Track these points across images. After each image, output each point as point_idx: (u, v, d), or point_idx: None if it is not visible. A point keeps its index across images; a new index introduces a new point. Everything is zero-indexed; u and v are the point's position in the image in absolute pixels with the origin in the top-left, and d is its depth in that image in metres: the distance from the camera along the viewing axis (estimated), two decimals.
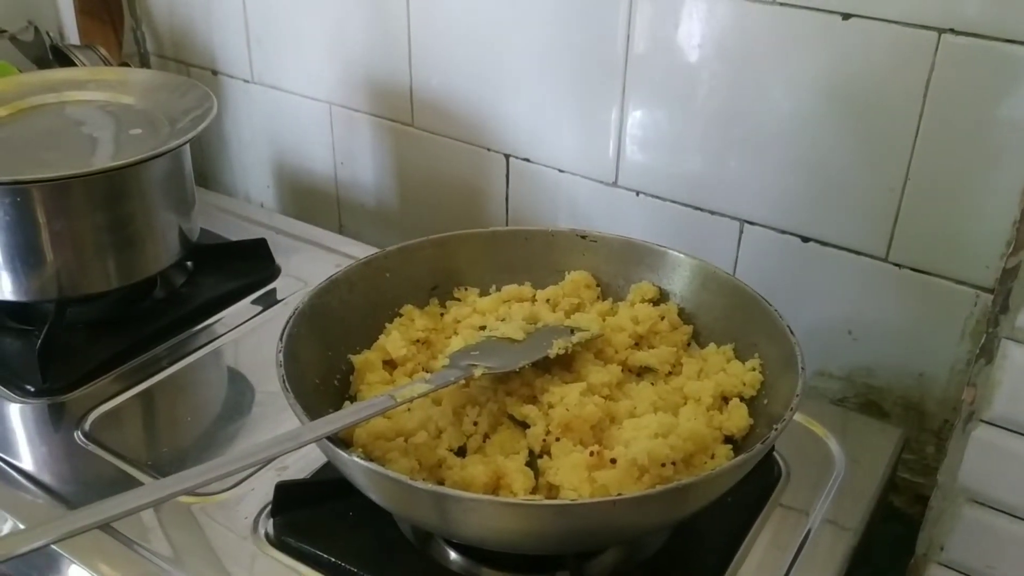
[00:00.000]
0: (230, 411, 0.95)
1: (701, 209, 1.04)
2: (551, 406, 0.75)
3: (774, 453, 0.87)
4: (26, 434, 0.92)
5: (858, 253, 0.95)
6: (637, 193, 1.08)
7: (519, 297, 0.90)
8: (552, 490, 0.70)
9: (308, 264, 1.17)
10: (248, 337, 1.05)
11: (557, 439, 0.73)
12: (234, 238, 1.21)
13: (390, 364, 0.84)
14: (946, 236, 0.90)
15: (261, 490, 0.82)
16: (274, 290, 1.13)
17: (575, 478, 0.68)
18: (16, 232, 0.94)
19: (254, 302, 1.10)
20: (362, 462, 0.64)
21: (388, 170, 1.29)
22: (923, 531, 0.78)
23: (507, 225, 1.20)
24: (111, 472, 0.85)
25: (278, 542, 0.78)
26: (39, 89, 1.11)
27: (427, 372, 0.82)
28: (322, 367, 0.80)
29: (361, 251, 1.17)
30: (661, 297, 0.89)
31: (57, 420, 0.92)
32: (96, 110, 1.09)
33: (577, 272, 0.91)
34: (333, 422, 0.66)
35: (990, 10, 0.81)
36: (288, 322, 0.78)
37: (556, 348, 0.79)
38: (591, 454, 0.69)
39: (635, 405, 0.76)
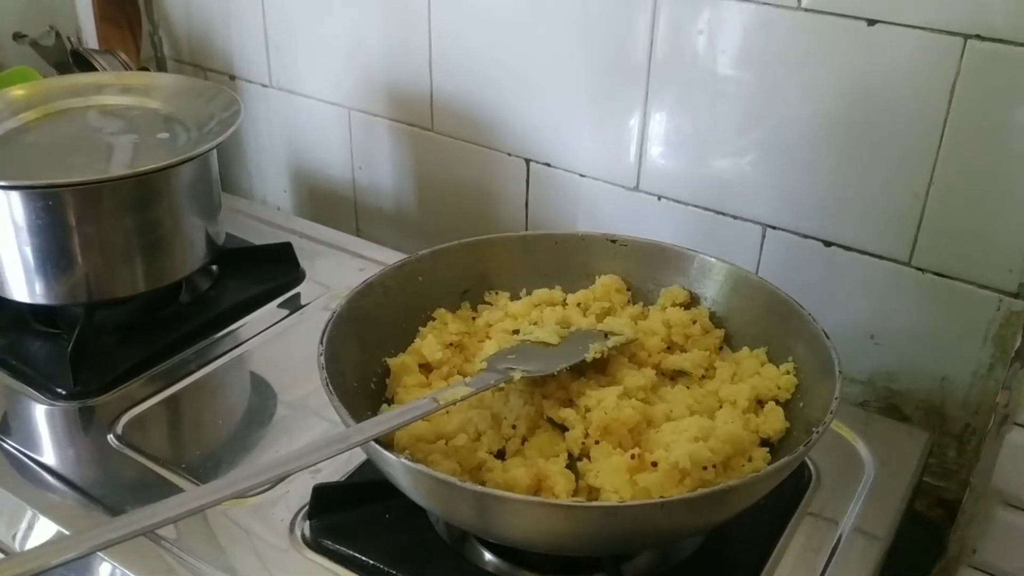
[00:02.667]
0: (259, 414, 0.95)
1: (723, 213, 1.04)
2: (588, 409, 0.76)
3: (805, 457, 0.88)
4: (58, 437, 0.92)
5: (881, 258, 0.96)
6: (659, 197, 1.08)
7: (550, 301, 0.90)
8: (592, 492, 0.71)
9: (331, 268, 1.18)
10: (274, 341, 1.05)
11: (596, 442, 0.73)
12: (254, 242, 1.21)
13: (425, 367, 0.84)
14: (969, 241, 0.91)
15: (297, 492, 0.83)
16: (299, 294, 1.13)
17: (616, 480, 0.69)
18: (47, 236, 0.94)
19: (280, 306, 1.11)
20: (411, 464, 0.65)
21: (407, 175, 1.30)
22: (954, 533, 0.79)
23: (527, 230, 1.21)
24: (147, 475, 0.86)
25: (315, 544, 0.78)
26: (65, 93, 1.12)
27: (462, 375, 0.83)
28: (359, 370, 0.81)
29: (383, 255, 1.17)
30: (692, 301, 0.90)
31: (88, 423, 0.93)
32: (122, 114, 1.10)
33: (607, 276, 0.92)
34: (380, 424, 0.67)
35: (1016, 16, 0.81)
36: (328, 325, 0.78)
37: (593, 352, 0.79)
38: (632, 457, 0.70)
39: (671, 408, 0.77)
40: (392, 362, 0.83)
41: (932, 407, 0.99)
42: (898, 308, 0.97)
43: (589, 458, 0.73)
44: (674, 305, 0.88)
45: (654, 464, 0.69)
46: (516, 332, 0.86)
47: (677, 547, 0.79)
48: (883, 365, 1.01)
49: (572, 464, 0.73)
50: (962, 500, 0.83)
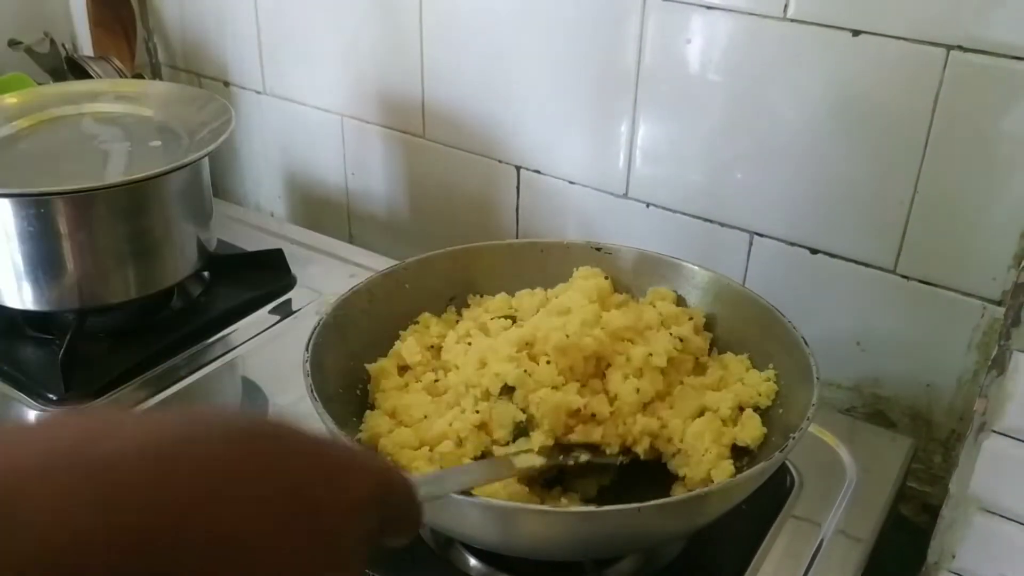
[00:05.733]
0: None
1: (711, 221, 1.05)
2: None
3: (786, 462, 0.88)
4: None
5: (866, 265, 0.97)
6: (647, 205, 1.09)
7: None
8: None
9: (323, 274, 1.18)
10: (265, 347, 1.06)
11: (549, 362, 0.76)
12: (247, 248, 1.22)
13: (404, 369, 0.85)
14: (953, 248, 0.91)
15: None
16: (290, 300, 1.14)
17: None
18: (39, 243, 0.95)
19: (271, 312, 1.11)
20: None
21: (399, 181, 1.31)
22: (934, 539, 0.79)
23: (517, 236, 1.22)
24: None
25: None
26: (58, 101, 1.12)
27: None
28: (345, 376, 0.82)
29: (374, 261, 1.18)
30: (678, 305, 0.90)
31: None
32: (115, 122, 1.10)
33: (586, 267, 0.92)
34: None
35: (998, 27, 0.82)
36: (313, 332, 0.79)
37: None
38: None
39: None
40: (371, 367, 0.83)
41: (918, 413, 1.00)
42: (884, 315, 0.98)
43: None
44: (663, 300, 0.89)
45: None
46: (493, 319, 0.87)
47: (661, 551, 0.80)
48: (869, 371, 1.01)
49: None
50: None
